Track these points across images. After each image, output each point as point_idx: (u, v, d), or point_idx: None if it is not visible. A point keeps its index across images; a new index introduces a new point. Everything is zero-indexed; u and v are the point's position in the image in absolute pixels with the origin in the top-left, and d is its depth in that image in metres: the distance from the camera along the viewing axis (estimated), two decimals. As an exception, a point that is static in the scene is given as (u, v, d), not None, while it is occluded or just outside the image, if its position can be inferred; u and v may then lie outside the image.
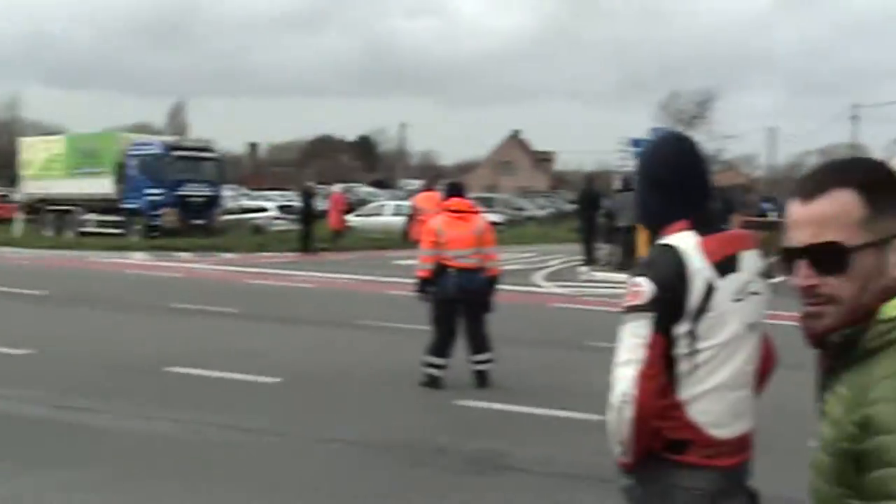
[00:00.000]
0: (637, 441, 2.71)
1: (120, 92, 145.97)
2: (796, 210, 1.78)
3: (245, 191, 52.14)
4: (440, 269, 9.12)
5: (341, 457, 7.02)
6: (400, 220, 31.01)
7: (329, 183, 46.30)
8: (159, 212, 30.54)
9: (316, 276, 19.78)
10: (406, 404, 8.65)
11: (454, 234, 9.16)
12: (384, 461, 6.91)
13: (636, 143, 21.72)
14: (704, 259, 2.76)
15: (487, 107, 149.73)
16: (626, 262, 18.74)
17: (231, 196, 39.77)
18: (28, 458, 6.70)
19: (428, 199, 21.44)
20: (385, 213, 35.75)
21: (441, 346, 9.16)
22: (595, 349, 10.11)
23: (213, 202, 32.32)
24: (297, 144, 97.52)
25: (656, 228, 2.95)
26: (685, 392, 2.76)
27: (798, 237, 1.77)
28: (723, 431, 2.78)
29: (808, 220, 1.75)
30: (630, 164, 20.08)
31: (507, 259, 19.20)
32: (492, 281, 9.40)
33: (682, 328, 2.73)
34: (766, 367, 3.04)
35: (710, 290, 2.74)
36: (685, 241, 2.79)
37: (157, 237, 29.41)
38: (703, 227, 2.84)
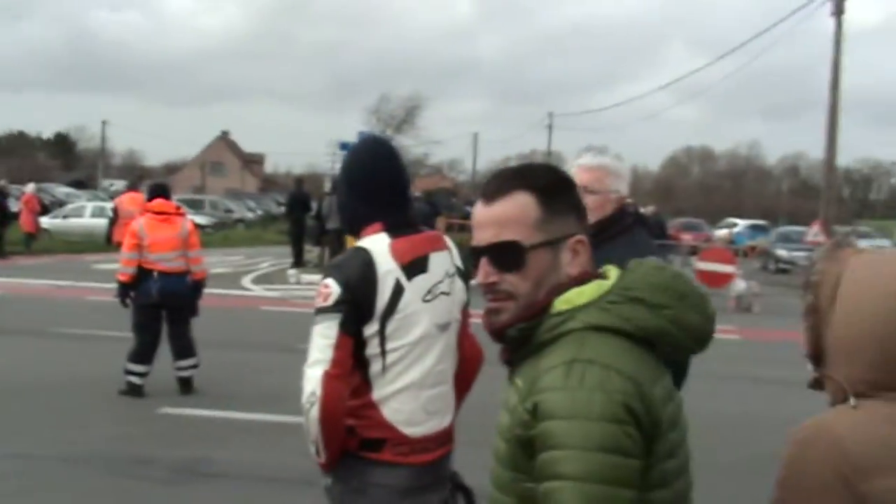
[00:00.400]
0: (328, 441, 2.73)
1: None
2: (480, 211, 1.89)
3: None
4: (143, 273, 8.82)
5: (36, 470, 6.57)
6: (101, 223, 29.51)
7: (23, 182, 43.35)
8: None
9: (8, 282, 18.49)
10: (107, 414, 8.27)
11: (158, 237, 8.86)
12: (82, 473, 6.57)
13: (344, 146, 21.97)
14: (394, 260, 2.82)
15: (196, 106, 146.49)
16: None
17: None
18: None
19: (131, 201, 20.66)
20: (85, 214, 33.92)
21: (143, 353, 8.84)
22: (303, 351, 9.96)
23: None
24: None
25: (357, 230, 2.98)
26: (378, 392, 2.82)
27: (481, 237, 1.87)
28: (416, 430, 2.85)
29: (489, 221, 1.86)
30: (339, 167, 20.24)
31: (214, 262, 18.86)
32: (197, 285, 9.19)
33: (371, 329, 2.79)
34: (471, 366, 3.15)
35: (398, 291, 2.80)
36: (377, 243, 2.85)
37: None
38: (398, 229, 2.90)
